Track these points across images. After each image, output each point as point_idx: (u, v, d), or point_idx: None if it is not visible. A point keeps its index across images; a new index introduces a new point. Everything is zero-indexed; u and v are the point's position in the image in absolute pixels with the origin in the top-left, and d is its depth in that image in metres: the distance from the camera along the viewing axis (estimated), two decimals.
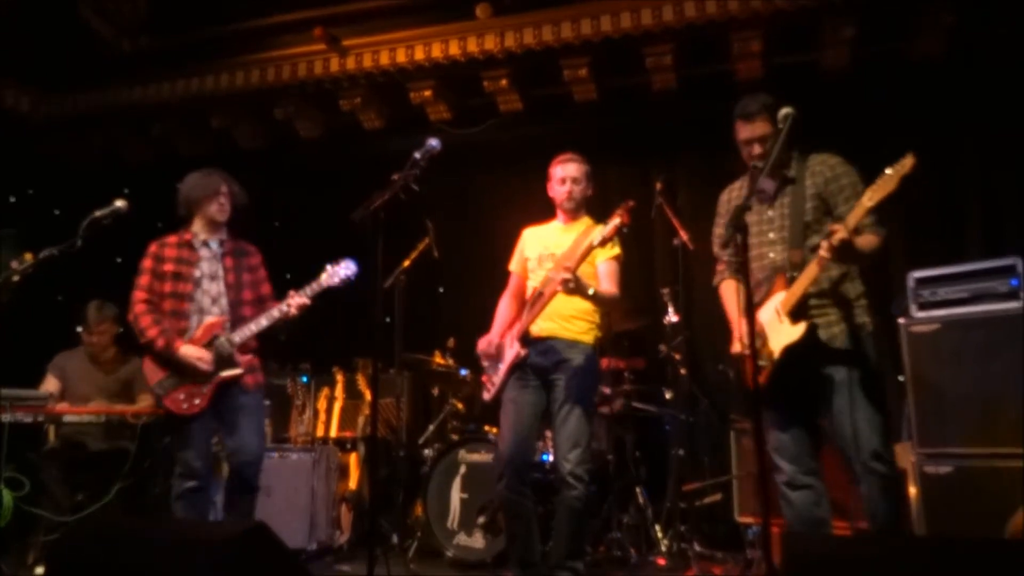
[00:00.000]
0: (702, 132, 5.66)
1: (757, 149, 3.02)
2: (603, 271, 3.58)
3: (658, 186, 4.91)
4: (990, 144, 5.04)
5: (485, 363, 3.75)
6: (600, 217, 3.55)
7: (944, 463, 3.62)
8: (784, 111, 2.76)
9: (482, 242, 5.79)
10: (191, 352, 3.58)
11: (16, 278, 3.50)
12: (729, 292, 3.28)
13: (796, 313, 2.89)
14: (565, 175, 3.73)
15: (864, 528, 3.72)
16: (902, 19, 4.97)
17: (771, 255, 3.05)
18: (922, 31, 4.96)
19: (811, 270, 2.85)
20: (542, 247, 3.74)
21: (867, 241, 2.85)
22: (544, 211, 3.93)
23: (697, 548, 4.34)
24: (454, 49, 5.41)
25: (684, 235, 4.73)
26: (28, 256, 3.52)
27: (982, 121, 5.04)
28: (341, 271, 3.73)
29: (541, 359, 3.55)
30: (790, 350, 2.88)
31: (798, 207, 3.01)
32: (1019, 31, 4.77)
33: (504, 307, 3.86)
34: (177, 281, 3.72)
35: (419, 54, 5.47)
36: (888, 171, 2.69)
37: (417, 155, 3.11)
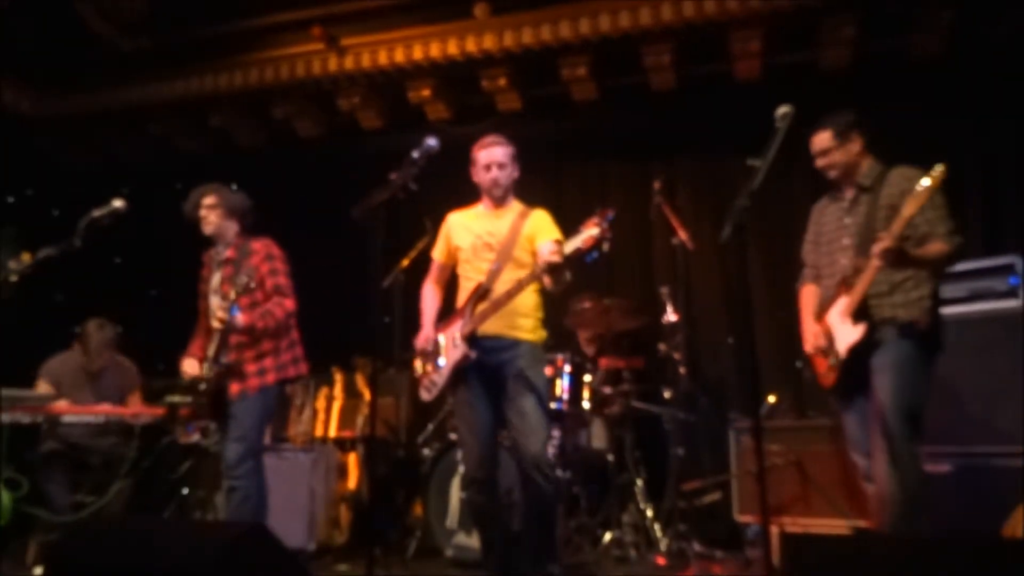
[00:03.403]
0: (701, 131, 5.68)
1: (820, 161, 3.30)
2: (548, 252, 3.23)
3: (657, 185, 4.91)
4: (989, 143, 5.03)
5: (420, 360, 3.52)
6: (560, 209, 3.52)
7: (943, 462, 3.62)
8: (782, 110, 2.79)
9: None
10: (183, 366, 3.78)
11: (14, 278, 3.50)
12: (805, 296, 3.44)
13: (857, 315, 3.07)
14: (491, 161, 3.48)
15: (864, 527, 3.73)
16: (901, 18, 4.96)
17: (843, 261, 3.22)
18: (921, 30, 4.96)
19: (867, 276, 3.02)
20: (474, 236, 3.51)
21: (932, 248, 3.01)
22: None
23: (696, 547, 4.33)
24: (452, 48, 5.40)
25: (683, 234, 4.73)
26: (26, 256, 3.52)
27: (981, 120, 5.04)
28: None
29: (489, 358, 3.34)
30: (853, 350, 3.08)
31: (871, 216, 3.15)
32: (1018, 29, 4.77)
33: (429, 296, 3.65)
34: (201, 299, 3.90)
35: (417, 53, 5.46)
36: (923, 181, 2.89)
37: (415, 154, 3.09)
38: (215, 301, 3.77)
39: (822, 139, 3.26)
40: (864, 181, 3.23)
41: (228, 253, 3.83)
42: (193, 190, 3.92)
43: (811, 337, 3.28)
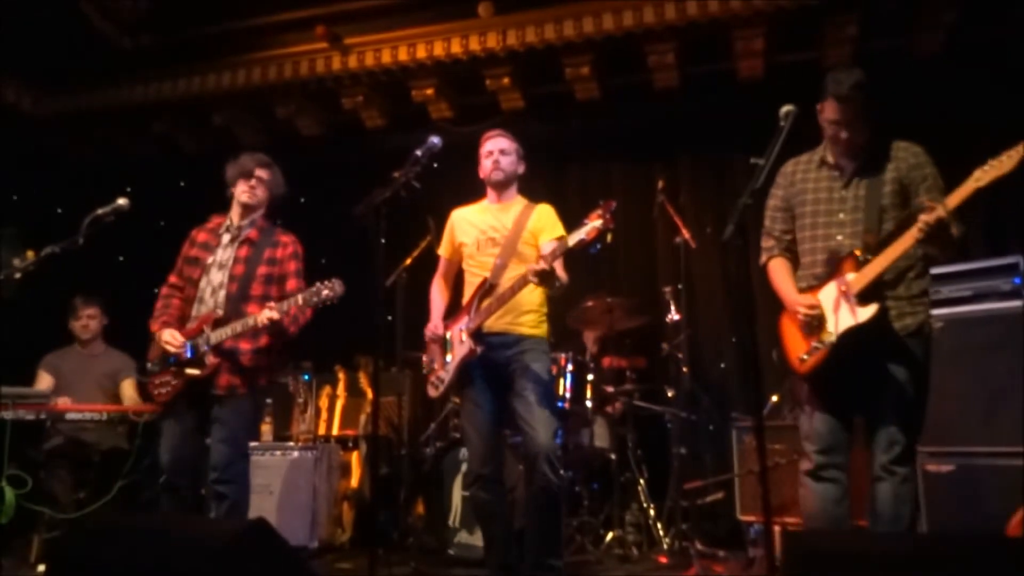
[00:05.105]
0: (704, 130, 5.67)
1: (845, 134, 2.92)
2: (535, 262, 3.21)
3: (660, 184, 4.92)
4: (991, 142, 5.01)
5: (429, 354, 3.53)
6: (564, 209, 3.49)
7: (946, 461, 3.62)
8: (785, 108, 2.76)
9: None
10: (164, 335, 3.47)
11: (18, 276, 3.50)
12: (781, 269, 3.11)
13: (866, 295, 2.77)
14: (493, 147, 3.54)
15: (864, 526, 3.73)
16: (903, 16, 4.96)
17: (839, 236, 2.93)
18: (923, 28, 4.96)
19: (895, 250, 2.73)
20: (478, 231, 3.53)
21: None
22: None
23: (699, 546, 4.32)
24: (456, 47, 5.40)
25: (686, 233, 4.74)
26: (30, 254, 3.52)
27: (983, 119, 5.02)
28: (325, 291, 3.29)
29: (495, 355, 3.36)
30: (852, 333, 2.76)
31: (876, 190, 2.91)
32: (1020, 28, 4.76)
33: (437, 293, 3.68)
34: (194, 267, 3.62)
35: (421, 52, 5.46)
36: (1010, 152, 2.65)
37: (418, 153, 3.10)
38: (217, 277, 3.55)
39: (856, 106, 2.89)
40: (869, 154, 2.98)
41: (251, 233, 3.60)
42: (247, 154, 3.71)
43: (801, 306, 2.89)
